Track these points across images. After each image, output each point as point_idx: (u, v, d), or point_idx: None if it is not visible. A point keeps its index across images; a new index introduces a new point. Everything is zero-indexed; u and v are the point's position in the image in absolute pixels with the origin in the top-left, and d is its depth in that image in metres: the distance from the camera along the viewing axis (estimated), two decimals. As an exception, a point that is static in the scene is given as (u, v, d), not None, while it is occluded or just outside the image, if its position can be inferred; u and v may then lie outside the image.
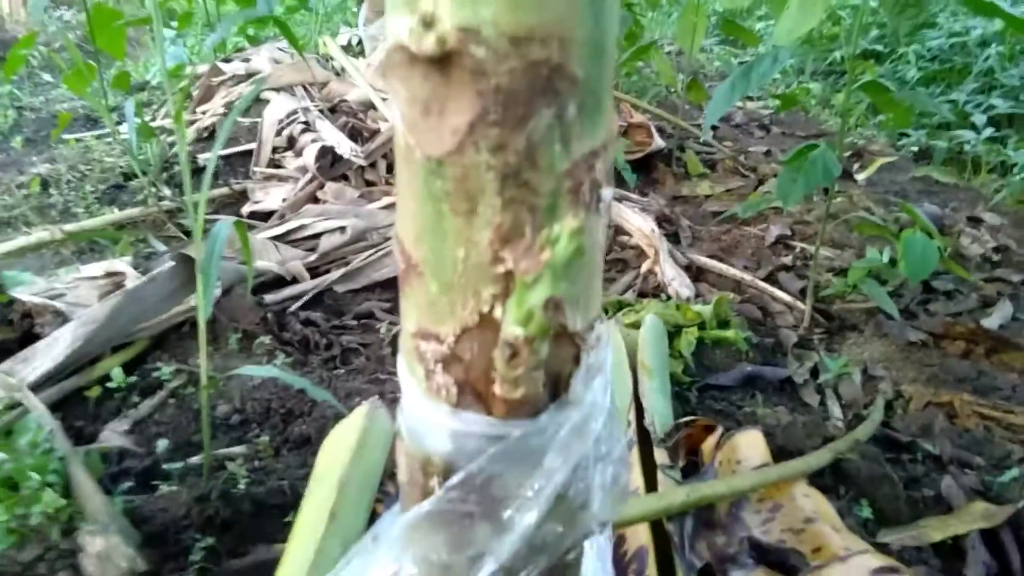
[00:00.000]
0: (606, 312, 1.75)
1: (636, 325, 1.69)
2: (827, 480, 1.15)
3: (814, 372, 1.71)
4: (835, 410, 1.59)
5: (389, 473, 0.96)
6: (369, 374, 1.59)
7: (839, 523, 1.02)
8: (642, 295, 2.05)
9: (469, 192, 0.34)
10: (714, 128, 3.41)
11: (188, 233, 2.08)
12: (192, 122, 2.69)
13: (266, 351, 1.61)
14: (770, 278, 2.17)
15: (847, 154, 3.18)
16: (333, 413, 1.37)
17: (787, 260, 2.27)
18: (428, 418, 0.40)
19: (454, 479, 0.38)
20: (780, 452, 1.15)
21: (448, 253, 0.36)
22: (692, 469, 1.06)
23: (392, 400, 1.40)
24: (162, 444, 1.30)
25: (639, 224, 2.29)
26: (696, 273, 2.17)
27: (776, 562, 0.94)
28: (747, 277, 2.13)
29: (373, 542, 0.51)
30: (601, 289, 0.41)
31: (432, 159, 0.34)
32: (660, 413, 1.07)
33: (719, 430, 1.08)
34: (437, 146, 0.34)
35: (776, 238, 2.38)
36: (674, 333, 1.74)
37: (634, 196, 2.58)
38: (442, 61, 0.32)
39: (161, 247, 1.94)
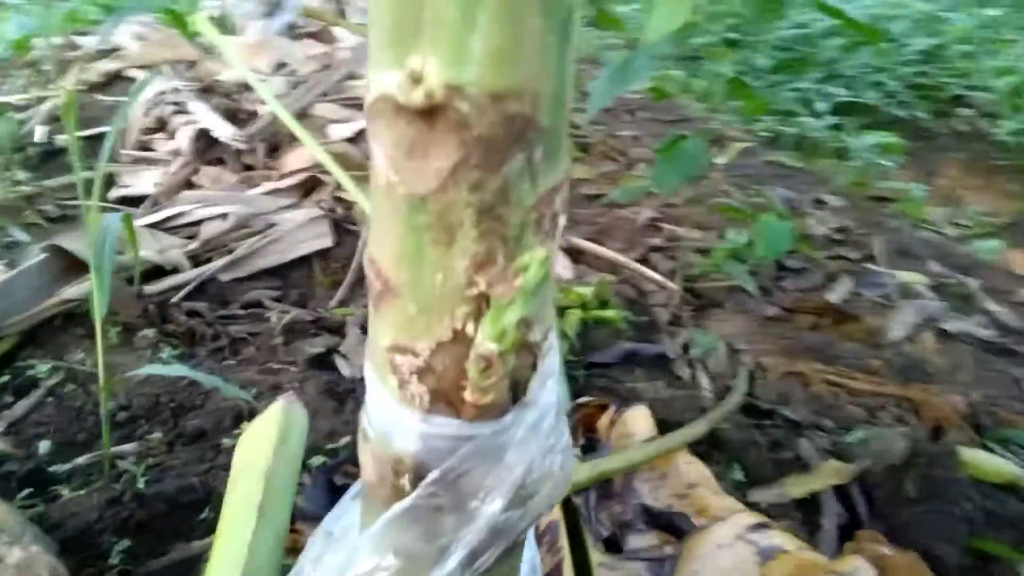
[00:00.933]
0: (494, 296, 1.81)
1: (524, 308, 1.76)
2: (704, 448, 1.27)
3: (685, 347, 1.85)
4: (704, 382, 1.73)
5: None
6: (260, 364, 1.58)
7: (717, 487, 1.14)
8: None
9: (449, 225, 0.38)
10: (583, 113, 3.53)
11: (51, 220, 1.96)
12: (43, 99, 2.51)
13: (149, 344, 1.57)
14: (643, 259, 2.31)
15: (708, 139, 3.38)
16: (229, 406, 1.36)
17: (658, 242, 2.42)
18: (400, 423, 0.44)
19: (430, 477, 0.43)
20: (662, 424, 1.25)
21: (427, 278, 0.40)
22: (590, 446, 1.15)
23: (285, 390, 1.41)
24: (44, 445, 1.25)
25: (520, 208, 2.36)
26: (575, 255, 2.28)
27: (666, 525, 1.04)
28: (622, 259, 2.26)
29: (339, 539, 0.55)
30: (553, 300, 0.46)
31: (416, 196, 0.38)
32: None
33: (612, 408, 1.17)
34: (421, 185, 0.38)
35: (647, 221, 2.53)
36: (559, 314, 1.83)
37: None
38: (429, 113, 0.36)
39: (23, 236, 1.82)
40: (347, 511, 0.61)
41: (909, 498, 1.15)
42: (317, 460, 1.09)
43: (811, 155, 3.56)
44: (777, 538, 0.99)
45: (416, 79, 0.36)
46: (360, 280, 1.89)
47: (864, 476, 1.19)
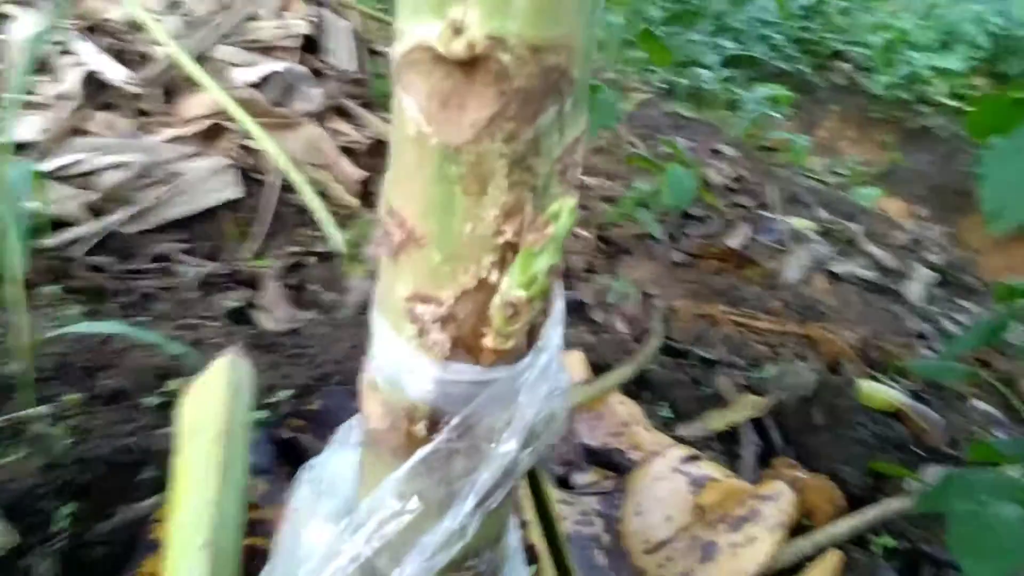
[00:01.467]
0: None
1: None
2: (632, 388, 1.33)
3: (600, 294, 1.91)
4: (621, 326, 1.80)
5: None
6: (176, 320, 1.52)
7: (648, 424, 1.20)
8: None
9: (481, 175, 0.39)
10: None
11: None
12: None
13: (52, 301, 1.48)
14: (554, 208, 2.35)
15: (609, 89, 3.43)
16: (148, 364, 1.31)
17: (567, 191, 2.46)
18: (417, 371, 0.45)
19: (453, 422, 0.44)
20: (594, 368, 1.30)
21: (456, 227, 0.40)
22: None
23: (209, 347, 1.37)
24: (-57, 411, 1.17)
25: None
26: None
27: (605, 462, 1.10)
28: (534, 207, 2.28)
29: (330, 486, 0.55)
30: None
31: (450, 147, 0.38)
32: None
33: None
34: (456, 136, 0.38)
35: (556, 170, 2.56)
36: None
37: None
38: (468, 64, 0.36)
39: None
40: (328, 460, 0.62)
41: (817, 426, 1.25)
42: (259, 415, 1.07)
43: (705, 106, 3.68)
44: (706, 468, 1.06)
45: (457, 29, 0.36)
46: (275, 231, 1.84)
47: (777, 408, 1.28)
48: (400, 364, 0.46)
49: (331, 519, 0.55)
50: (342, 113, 2.40)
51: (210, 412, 0.83)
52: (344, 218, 2.02)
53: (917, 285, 2.26)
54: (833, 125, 4.24)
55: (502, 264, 0.42)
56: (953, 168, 3.69)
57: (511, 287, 0.41)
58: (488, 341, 0.43)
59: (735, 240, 2.32)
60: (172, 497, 0.78)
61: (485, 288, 0.42)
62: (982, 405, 1.64)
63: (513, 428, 0.46)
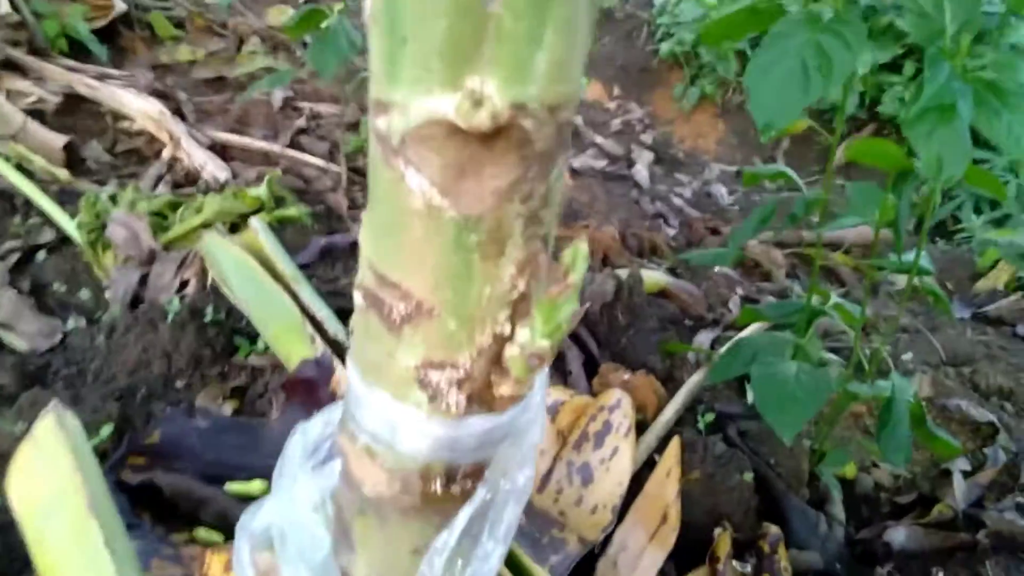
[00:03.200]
0: (164, 217, 1.62)
1: (207, 224, 1.61)
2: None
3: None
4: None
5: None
6: None
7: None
8: (177, 186, 1.92)
9: (500, 239, 0.38)
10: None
11: None
12: None
13: None
14: (294, 144, 2.22)
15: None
16: None
17: (302, 123, 2.32)
18: (429, 435, 0.43)
19: (487, 477, 0.44)
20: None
21: (474, 293, 0.39)
22: None
23: None
24: None
25: (140, 106, 2.07)
26: (222, 152, 2.09)
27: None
28: (273, 148, 2.14)
29: (286, 547, 0.52)
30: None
31: (470, 218, 0.36)
32: (326, 313, 1.11)
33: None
34: (475, 206, 0.36)
35: (283, 102, 2.40)
36: (239, 223, 1.71)
37: (115, 72, 2.28)
38: (489, 133, 0.34)
39: None
40: (276, 518, 0.57)
41: (622, 326, 1.38)
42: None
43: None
44: (555, 393, 1.13)
45: (477, 100, 0.33)
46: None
47: (586, 318, 1.39)
48: (408, 430, 0.43)
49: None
50: (14, 68, 2.02)
51: (57, 485, 0.71)
52: (58, 195, 1.74)
53: (642, 168, 2.51)
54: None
55: (515, 315, 0.41)
56: (635, 47, 4.05)
57: (535, 339, 0.41)
58: (505, 390, 0.43)
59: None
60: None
61: (499, 341, 0.41)
62: (721, 269, 1.91)
63: (524, 457, 0.47)
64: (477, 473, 0.46)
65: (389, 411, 0.43)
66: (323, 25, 1.74)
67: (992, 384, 1.64)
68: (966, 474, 1.39)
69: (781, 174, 1.26)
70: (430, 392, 0.42)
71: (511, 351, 0.41)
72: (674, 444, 1.09)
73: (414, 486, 0.45)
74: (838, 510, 1.27)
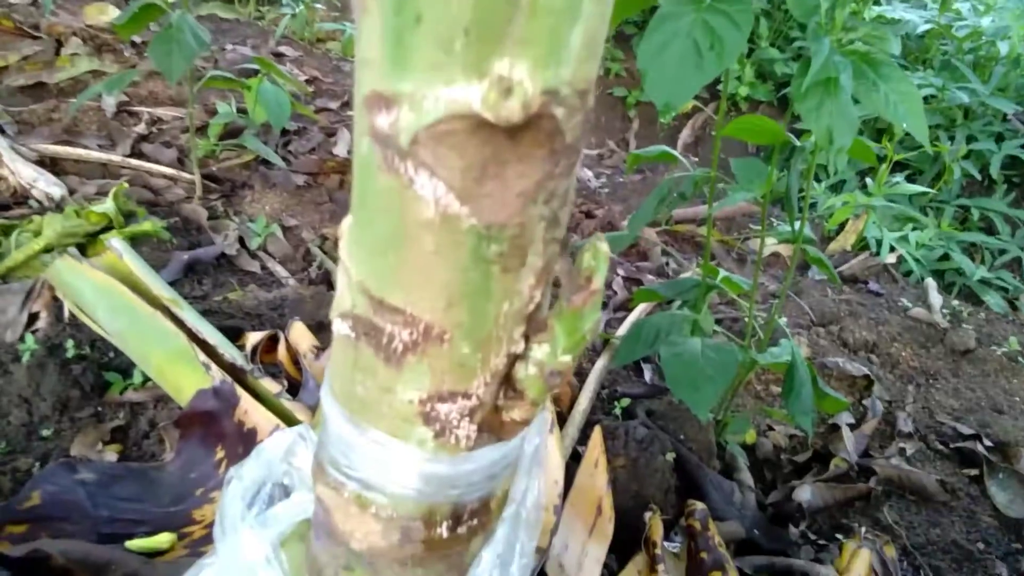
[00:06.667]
0: (-5, 245, 1.42)
1: (50, 248, 1.43)
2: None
3: (241, 240, 1.74)
4: (278, 269, 1.68)
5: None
6: None
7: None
8: (3, 208, 1.70)
9: (522, 246, 0.33)
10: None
11: None
12: None
13: None
14: (136, 153, 2.02)
15: None
16: None
17: (141, 129, 2.12)
18: (433, 476, 0.38)
19: (507, 514, 0.39)
20: (318, 326, 1.21)
21: (492, 311, 0.34)
22: (292, 385, 1.03)
23: None
24: None
25: (-54, 121, 1.81)
26: (52, 166, 1.87)
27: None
28: (113, 158, 1.94)
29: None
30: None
31: (492, 226, 0.31)
32: (217, 337, 1.00)
33: (280, 336, 1.07)
34: (499, 212, 0.31)
35: (117, 107, 2.18)
36: (86, 244, 1.53)
37: (-92, 85, 1.98)
38: (517, 127, 0.30)
39: None
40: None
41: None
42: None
43: (240, 5, 3.40)
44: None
45: (507, 88, 0.28)
46: None
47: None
48: (408, 472, 0.38)
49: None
50: None
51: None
52: None
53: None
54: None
55: (529, 330, 0.36)
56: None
57: (556, 354, 0.36)
58: (517, 414, 0.38)
59: (341, 148, 2.27)
60: None
61: (513, 361, 0.37)
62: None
63: (536, 477, 0.43)
64: (484, 509, 0.41)
65: (385, 453, 0.38)
66: (161, 22, 1.59)
67: (858, 339, 1.76)
68: (851, 427, 1.47)
69: (665, 154, 1.28)
70: (437, 427, 0.37)
71: (527, 371, 0.37)
72: (597, 433, 1.08)
73: (416, 534, 0.40)
74: (746, 477, 1.31)
